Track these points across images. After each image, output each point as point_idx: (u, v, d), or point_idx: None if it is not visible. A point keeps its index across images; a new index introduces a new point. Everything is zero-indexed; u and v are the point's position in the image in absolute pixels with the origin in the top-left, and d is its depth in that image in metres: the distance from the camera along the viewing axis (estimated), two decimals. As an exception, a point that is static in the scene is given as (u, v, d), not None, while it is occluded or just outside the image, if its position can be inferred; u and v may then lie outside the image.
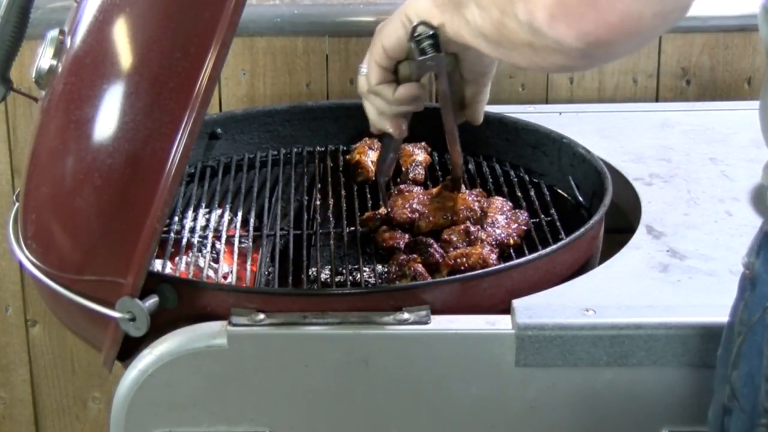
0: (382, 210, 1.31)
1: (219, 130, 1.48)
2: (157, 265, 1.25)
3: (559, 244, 1.17)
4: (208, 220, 1.35)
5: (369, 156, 1.43)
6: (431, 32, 1.06)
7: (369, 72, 1.11)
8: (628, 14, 0.78)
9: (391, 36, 1.08)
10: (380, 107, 1.13)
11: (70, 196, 1.08)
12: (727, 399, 0.93)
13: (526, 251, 1.23)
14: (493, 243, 1.23)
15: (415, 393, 1.09)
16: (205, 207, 1.38)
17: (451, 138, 1.25)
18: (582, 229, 1.20)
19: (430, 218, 1.27)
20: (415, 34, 1.07)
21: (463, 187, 1.32)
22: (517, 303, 1.09)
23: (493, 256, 1.20)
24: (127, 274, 1.04)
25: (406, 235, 1.26)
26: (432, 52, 1.07)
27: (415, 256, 1.21)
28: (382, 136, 1.21)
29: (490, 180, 1.41)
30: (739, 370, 0.91)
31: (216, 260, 1.27)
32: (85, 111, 1.07)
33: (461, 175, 1.31)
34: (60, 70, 1.11)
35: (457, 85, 1.17)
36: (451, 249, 1.22)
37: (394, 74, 1.11)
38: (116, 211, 1.05)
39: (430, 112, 1.52)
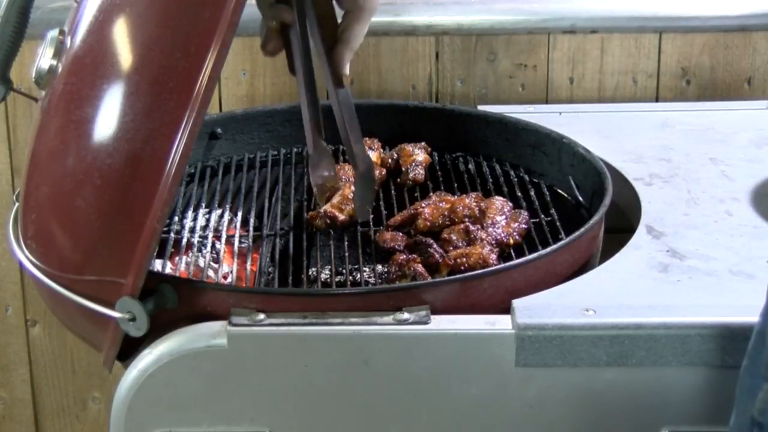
0: (326, 207, 1.30)
1: (219, 130, 1.48)
2: (157, 265, 1.25)
3: (559, 244, 1.17)
4: (208, 220, 1.35)
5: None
6: None
7: None
8: None
9: None
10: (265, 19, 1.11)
11: (70, 196, 1.08)
12: (757, 413, 0.92)
13: (526, 251, 1.23)
14: (493, 243, 1.23)
15: (415, 393, 1.09)
16: (205, 207, 1.38)
17: (330, 91, 1.17)
18: (582, 229, 1.20)
19: (428, 219, 1.27)
20: None
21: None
22: (517, 303, 1.09)
23: (493, 256, 1.20)
24: (127, 274, 1.04)
25: (404, 236, 1.27)
26: None
27: (415, 256, 1.21)
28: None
29: (490, 180, 1.41)
30: None
31: (216, 260, 1.27)
32: (85, 111, 1.07)
33: (366, 163, 1.21)
34: (60, 70, 1.11)
35: (327, 17, 1.11)
36: (451, 248, 1.22)
37: None
38: (116, 211, 1.05)
39: (430, 112, 1.52)
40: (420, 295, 1.09)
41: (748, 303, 1.00)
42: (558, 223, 1.29)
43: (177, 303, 1.09)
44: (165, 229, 1.27)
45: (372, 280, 1.27)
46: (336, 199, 1.31)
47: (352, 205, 1.30)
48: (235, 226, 1.35)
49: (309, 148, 1.22)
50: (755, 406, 0.92)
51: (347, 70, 1.15)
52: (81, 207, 1.07)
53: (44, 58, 1.12)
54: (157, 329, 1.07)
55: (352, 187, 1.32)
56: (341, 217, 1.29)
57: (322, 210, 1.30)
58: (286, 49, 1.17)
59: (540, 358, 1.07)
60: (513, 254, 1.24)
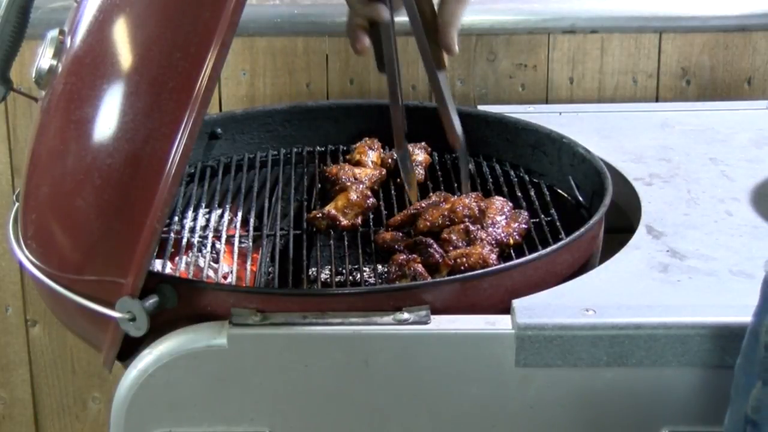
0: (330, 209, 1.30)
1: (219, 130, 1.48)
2: (157, 265, 1.25)
3: (559, 244, 1.17)
4: (208, 220, 1.35)
5: (369, 156, 1.43)
6: None
7: None
8: None
9: None
10: (350, 18, 1.13)
11: (70, 196, 1.08)
12: (751, 411, 0.92)
13: (526, 251, 1.23)
14: (493, 243, 1.23)
15: (415, 393, 1.09)
16: (205, 207, 1.38)
17: (434, 84, 1.22)
18: (582, 229, 1.20)
19: (428, 219, 1.27)
20: None
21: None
22: (517, 303, 1.09)
23: (493, 256, 1.20)
24: (127, 274, 1.04)
25: (404, 236, 1.27)
26: None
27: (414, 256, 1.21)
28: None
29: (490, 180, 1.41)
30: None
31: (216, 260, 1.27)
32: (85, 111, 1.07)
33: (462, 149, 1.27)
34: (60, 70, 1.11)
35: (426, 8, 1.13)
36: (451, 248, 1.22)
37: None
38: (116, 211, 1.05)
39: (430, 112, 1.52)
40: (420, 295, 1.09)
41: (748, 303, 0.99)
42: (558, 223, 1.29)
43: (177, 303, 1.09)
44: (165, 229, 1.27)
45: (372, 280, 1.27)
46: (340, 203, 1.31)
47: (355, 211, 1.30)
48: (235, 226, 1.35)
49: (396, 148, 1.30)
50: (749, 404, 0.92)
51: (457, 48, 1.17)
52: (81, 207, 1.07)
53: (44, 58, 1.12)
54: (157, 329, 1.07)
55: (353, 193, 1.32)
56: (344, 221, 1.29)
57: (324, 211, 1.30)
58: (375, 47, 1.18)
59: (540, 358, 1.07)
60: (513, 254, 1.24)
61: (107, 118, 1.05)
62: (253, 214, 1.36)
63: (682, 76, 1.75)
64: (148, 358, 1.07)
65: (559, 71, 1.74)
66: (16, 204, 1.19)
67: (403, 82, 1.72)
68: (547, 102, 1.75)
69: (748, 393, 0.92)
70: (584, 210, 1.34)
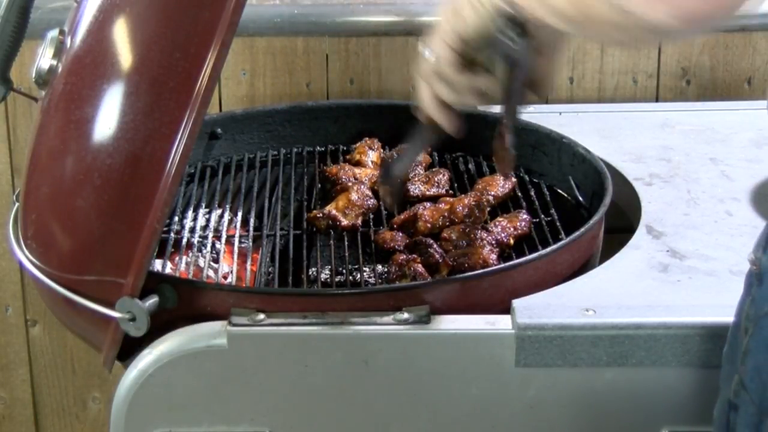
0: (330, 209, 1.30)
1: (219, 130, 1.48)
2: (157, 265, 1.25)
3: (559, 244, 1.17)
4: (208, 220, 1.35)
5: (369, 156, 1.43)
6: (516, 19, 0.98)
7: (440, 54, 1.03)
8: None
9: (467, 21, 1.00)
10: (442, 93, 1.05)
11: (70, 196, 1.08)
12: (732, 395, 0.93)
13: (526, 251, 1.23)
14: (493, 243, 1.23)
15: (415, 393, 1.09)
16: (205, 207, 1.38)
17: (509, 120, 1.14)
18: (582, 229, 1.20)
19: (428, 220, 1.27)
20: (501, 23, 0.99)
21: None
22: (517, 303, 1.09)
23: (493, 256, 1.20)
24: (127, 274, 1.04)
25: (404, 236, 1.26)
26: (519, 40, 0.99)
27: (414, 256, 1.21)
28: (413, 135, 1.14)
29: (490, 180, 1.41)
30: (746, 366, 0.91)
31: (216, 260, 1.27)
32: (85, 111, 1.07)
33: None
34: (60, 70, 1.11)
35: (531, 64, 1.08)
36: (451, 248, 1.22)
37: (464, 59, 1.03)
38: (116, 211, 1.05)
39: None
40: (420, 295, 1.09)
41: (748, 303, 1.00)
42: (558, 223, 1.29)
43: (177, 303, 1.09)
44: (165, 229, 1.27)
45: (372, 280, 1.27)
46: (341, 203, 1.31)
47: (356, 212, 1.30)
48: (235, 226, 1.35)
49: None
50: (731, 389, 0.93)
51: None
52: (81, 207, 1.07)
53: (44, 58, 1.12)
54: (157, 329, 1.07)
55: (354, 194, 1.32)
56: (344, 222, 1.29)
57: (324, 211, 1.30)
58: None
59: (540, 358, 1.07)
60: (513, 254, 1.24)
61: (107, 118, 1.05)
62: (253, 214, 1.36)
63: (682, 76, 1.75)
64: (148, 358, 1.07)
65: (558, 71, 1.74)
66: (16, 204, 1.19)
67: (403, 81, 1.72)
68: (547, 102, 1.75)
69: (731, 379, 0.93)
70: (584, 210, 1.34)
